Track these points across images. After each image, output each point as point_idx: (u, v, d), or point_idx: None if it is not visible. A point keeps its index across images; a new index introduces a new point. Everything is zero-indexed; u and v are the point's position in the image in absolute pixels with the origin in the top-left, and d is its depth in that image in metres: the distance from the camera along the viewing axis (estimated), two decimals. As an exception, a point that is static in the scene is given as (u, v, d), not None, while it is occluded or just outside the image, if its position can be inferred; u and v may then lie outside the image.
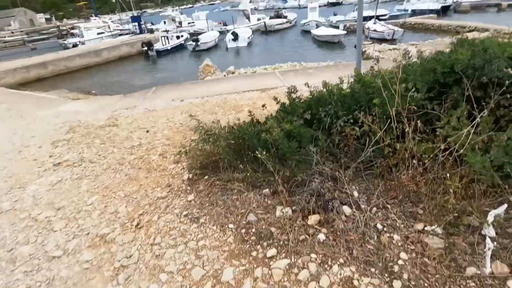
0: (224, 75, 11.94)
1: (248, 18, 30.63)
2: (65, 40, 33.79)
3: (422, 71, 2.55)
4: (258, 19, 31.21)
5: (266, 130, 3.19)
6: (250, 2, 64.32)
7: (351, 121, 2.91)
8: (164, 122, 6.69)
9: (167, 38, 23.76)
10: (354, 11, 28.88)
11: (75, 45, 28.86)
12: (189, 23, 36.48)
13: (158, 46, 23.15)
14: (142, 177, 3.91)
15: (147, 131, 6.02)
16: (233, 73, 12.11)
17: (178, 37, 25.16)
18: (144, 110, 7.95)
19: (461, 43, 2.46)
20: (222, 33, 27.36)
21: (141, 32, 31.08)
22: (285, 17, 31.84)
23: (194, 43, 22.52)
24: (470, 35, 17.26)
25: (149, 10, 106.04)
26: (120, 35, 32.26)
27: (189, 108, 7.60)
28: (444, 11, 27.01)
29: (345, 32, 21.44)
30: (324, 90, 3.59)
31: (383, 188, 2.43)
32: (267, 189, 2.89)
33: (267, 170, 3.04)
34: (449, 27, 20.36)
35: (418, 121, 2.35)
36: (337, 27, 24.44)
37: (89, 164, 4.75)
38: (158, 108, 7.96)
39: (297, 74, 9.83)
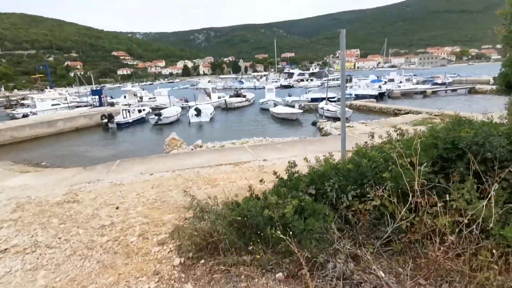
0: (192, 149, 11.84)
1: (209, 95, 32.31)
2: (13, 110, 32.05)
3: (424, 147, 2.71)
4: (219, 97, 33.06)
5: (268, 206, 3.03)
6: (209, 82, 68.99)
7: (358, 195, 2.90)
8: (134, 197, 6.15)
9: (129, 111, 23.71)
10: (306, 93, 32.19)
11: (25, 116, 27.37)
12: (150, 98, 37.35)
13: (119, 118, 22.88)
14: (121, 263, 3.33)
15: (117, 208, 5.43)
16: (200, 146, 12.08)
17: (140, 111, 25.27)
18: (110, 184, 7.33)
19: (458, 122, 2.72)
20: (184, 108, 28.27)
21: (101, 104, 30.82)
22: (244, 96, 34.27)
23: (156, 117, 22.68)
24: (408, 116, 19.80)
25: (108, 85, 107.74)
26: (78, 107, 31.64)
27: (160, 182, 7.18)
28: (380, 96, 31.36)
29: (302, 111, 23.37)
30: (321, 163, 3.63)
31: (412, 266, 2.30)
32: (280, 273, 2.59)
33: (277, 251, 2.78)
34: (388, 109, 23.27)
35: (433, 195, 2.39)
36: (293, 106, 26.63)
37: (46, 250, 3.99)
38: (126, 182, 7.40)
39: (266, 148, 10.09)
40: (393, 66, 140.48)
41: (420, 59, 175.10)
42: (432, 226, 2.35)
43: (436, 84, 39.37)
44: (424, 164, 2.63)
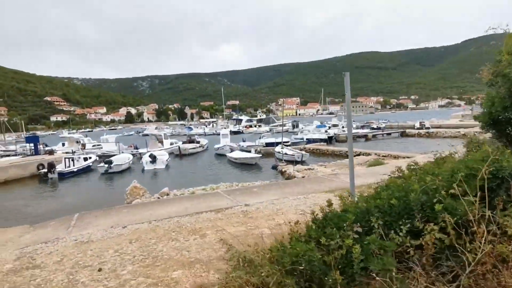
0: (158, 197, 10.99)
1: (161, 142, 31.27)
2: None
3: (465, 178, 2.85)
4: (171, 143, 32.16)
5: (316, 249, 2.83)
6: (156, 128, 67.29)
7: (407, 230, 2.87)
8: (113, 255, 5.30)
9: (73, 160, 21.56)
10: (260, 138, 33.10)
11: None
12: (94, 145, 34.79)
13: (61, 168, 20.54)
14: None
15: (99, 270, 4.59)
16: (167, 194, 11.28)
17: (85, 159, 23.16)
18: (74, 242, 6.26)
19: (501, 152, 2.91)
20: (134, 156, 26.78)
21: (36, 153, 27.53)
22: (198, 142, 33.88)
23: (106, 165, 20.93)
24: (360, 158, 21.25)
25: (39, 132, 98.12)
26: (7, 156, 27.83)
27: (137, 236, 6.36)
28: (329, 140, 33.63)
29: (260, 155, 23.73)
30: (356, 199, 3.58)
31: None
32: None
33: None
34: (341, 152, 24.89)
35: (493, 224, 2.47)
36: (249, 151, 26.95)
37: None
38: (95, 238, 6.41)
39: (243, 193, 9.78)
40: (331, 113, 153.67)
41: (353, 107, 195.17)
42: (497, 256, 2.38)
43: (373, 128, 43.74)
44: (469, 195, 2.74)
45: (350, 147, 4.61)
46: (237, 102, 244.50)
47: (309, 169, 17.50)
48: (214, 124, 72.79)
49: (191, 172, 21.92)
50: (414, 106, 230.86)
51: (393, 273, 2.36)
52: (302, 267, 2.67)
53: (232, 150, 26.75)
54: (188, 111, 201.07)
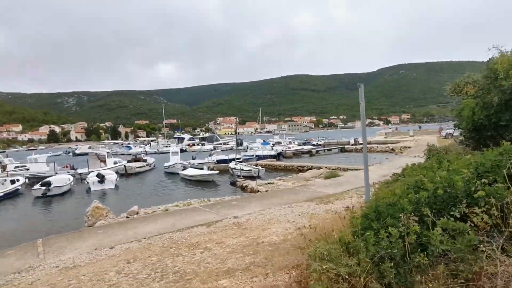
0: (127, 217, 10.13)
1: (103, 161, 28.76)
2: None
3: (490, 168, 3.43)
4: (115, 162, 29.78)
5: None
6: (89, 147, 61.55)
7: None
8: (119, 276, 4.80)
9: (-3, 183, 18.53)
10: (210, 155, 32.74)
11: None
12: (16, 166, 30.31)
13: (-20, 193, 17.43)
14: None
15: (118, 292, 4.12)
16: (137, 213, 10.46)
17: (13, 181, 20.09)
18: (57, 269, 5.47)
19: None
20: (73, 176, 24.12)
21: None
22: (145, 160, 31.96)
23: (43, 188, 18.40)
24: (313, 171, 22.40)
25: None
26: None
27: (133, 255, 5.85)
28: (278, 156, 34.83)
29: (218, 172, 23.43)
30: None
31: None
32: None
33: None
34: (293, 167, 25.97)
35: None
36: (201, 169, 26.38)
37: None
38: (81, 262, 5.69)
39: (223, 206, 9.61)
40: (268, 132, 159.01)
41: (289, 126, 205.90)
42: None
43: (314, 145, 46.63)
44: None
45: (365, 153, 4.97)
46: (174, 121, 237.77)
47: (270, 183, 17.85)
48: (155, 143, 69.47)
49: (143, 191, 20.52)
50: (343, 125, 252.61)
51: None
52: (384, 253, 2.87)
53: (185, 168, 25.91)
54: (122, 129, 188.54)
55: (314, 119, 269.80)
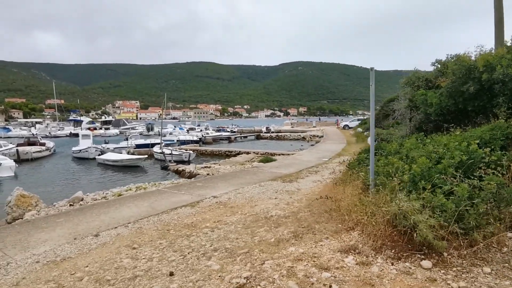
0: (71, 204, 8.65)
1: (-19, 144, 22.97)
2: None
3: (488, 140, 4.46)
4: (-1, 146, 24.13)
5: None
6: None
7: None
8: (146, 262, 4.23)
9: None
10: (126, 139, 29.84)
11: None
12: None
13: None
14: None
15: (171, 274, 3.68)
16: (82, 199, 8.99)
17: None
18: (40, 264, 4.41)
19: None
20: None
21: None
22: (43, 144, 26.72)
23: None
24: (244, 156, 22.98)
25: None
26: None
27: (131, 241, 5.15)
28: (199, 142, 34.30)
29: (146, 156, 21.62)
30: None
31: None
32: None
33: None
34: (220, 151, 25.99)
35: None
36: (120, 153, 23.95)
37: None
38: (70, 254, 4.73)
39: (192, 187, 9.13)
40: (174, 118, 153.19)
41: (195, 113, 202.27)
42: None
43: (230, 132, 47.48)
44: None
45: (372, 139, 5.39)
46: (61, 102, 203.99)
47: (207, 167, 17.59)
48: (42, 125, 58.67)
49: (56, 179, 17.37)
50: (248, 114, 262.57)
51: None
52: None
53: (102, 152, 22.92)
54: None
55: (220, 107, 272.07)
